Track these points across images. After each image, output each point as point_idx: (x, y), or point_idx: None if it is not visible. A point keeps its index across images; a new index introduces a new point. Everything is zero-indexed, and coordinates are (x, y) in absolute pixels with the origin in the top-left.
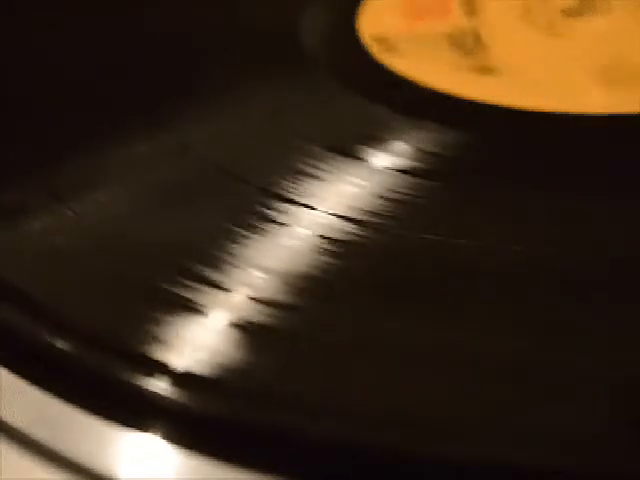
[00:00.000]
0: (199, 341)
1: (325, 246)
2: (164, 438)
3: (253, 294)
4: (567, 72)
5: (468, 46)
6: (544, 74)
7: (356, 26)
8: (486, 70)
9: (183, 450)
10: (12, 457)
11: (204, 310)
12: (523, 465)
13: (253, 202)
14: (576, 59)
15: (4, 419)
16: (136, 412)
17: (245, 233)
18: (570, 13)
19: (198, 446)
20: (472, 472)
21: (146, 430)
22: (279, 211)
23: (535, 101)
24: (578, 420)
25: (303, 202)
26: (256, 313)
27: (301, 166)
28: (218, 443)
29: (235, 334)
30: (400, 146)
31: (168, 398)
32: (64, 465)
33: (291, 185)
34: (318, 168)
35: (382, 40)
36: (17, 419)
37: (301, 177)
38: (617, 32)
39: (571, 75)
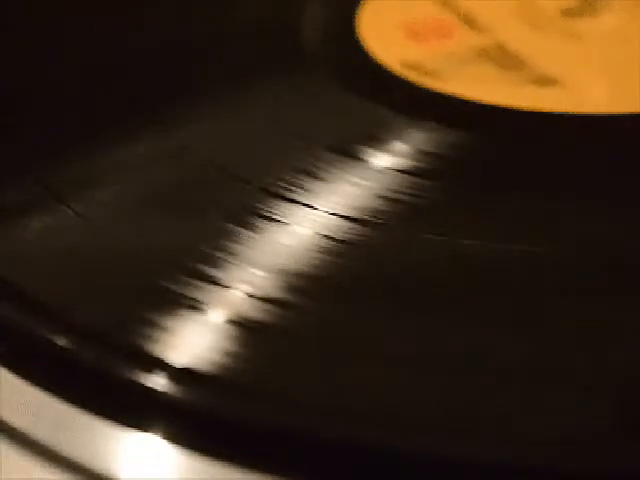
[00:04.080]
0: (198, 338)
1: (324, 245)
2: (164, 438)
3: (252, 291)
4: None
5: (503, 60)
6: (598, 81)
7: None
8: (546, 81)
9: (183, 450)
10: (12, 457)
11: (203, 307)
12: (523, 465)
13: (253, 201)
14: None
15: (4, 419)
16: (136, 411)
17: (244, 232)
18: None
19: (198, 446)
20: (471, 472)
21: (146, 430)
22: (279, 210)
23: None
24: (578, 420)
25: (303, 202)
26: (255, 310)
27: (301, 166)
28: (218, 443)
29: (234, 331)
30: (400, 146)
31: (167, 396)
32: (64, 465)
33: (291, 185)
34: (318, 168)
35: (415, 66)
36: (17, 419)
37: (301, 177)
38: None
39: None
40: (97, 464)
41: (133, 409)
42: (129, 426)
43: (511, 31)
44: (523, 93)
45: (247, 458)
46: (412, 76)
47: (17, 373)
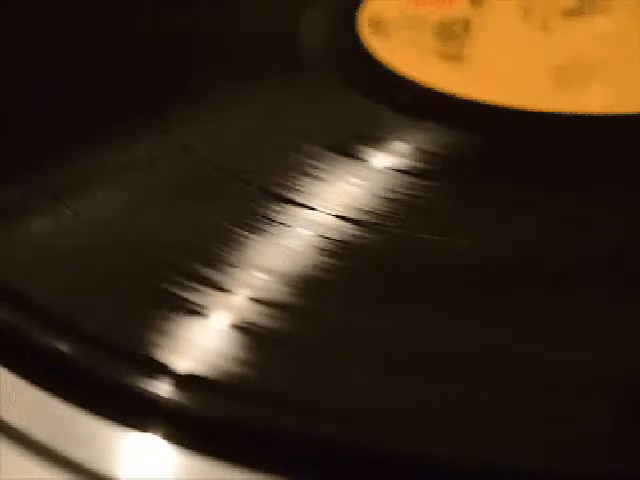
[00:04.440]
0: (200, 342)
1: (325, 246)
2: (164, 438)
3: (254, 295)
4: (528, 68)
5: (453, 34)
6: (505, 67)
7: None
8: (453, 58)
9: (183, 450)
10: (12, 457)
11: (205, 311)
12: (522, 466)
13: (253, 202)
14: (545, 56)
15: (4, 419)
16: (136, 412)
17: (246, 234)
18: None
19: (198, 446)
20: (471, 473)
21: (146, 430)
22: (279, 211)
23: (481, 90)
24: (578, 420)
25: (303, 202)
26: (257, 314)
27: (301, 166)
28: (218, 443)
29: (236, 335)
30: (400, 146)
31: (169, 399)
32: (64, 465)
33: (291, 185)
34: (318, 168)
35: (375, 23)
36: (17, 419)
37: (301, 177)
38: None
39: (529, 71)
40: (97, 464)
41: (134, 410)
42: (129, 426)
43: (498, 16)
44: (423, 61)
45: (248, 459)
46: (366, 32)
47: (17, 374)
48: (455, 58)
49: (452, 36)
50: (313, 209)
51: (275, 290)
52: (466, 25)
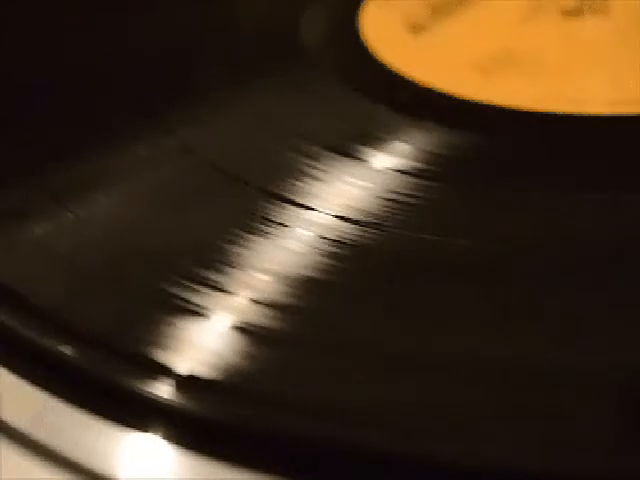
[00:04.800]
0: (201, 344)
1: (326, 247)
2: (164, 438)
3: (255, 296)
4: (461, 53)
5: (442, 8)
6: (452, 48)
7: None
8: (417, 28)
9: (183, 450)
10: (12, 457)
11: (206, 313)
12: (522, 466)
13: (253, 203)
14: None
15: (4, 419)
16: (137, 413)
17: (246, 235)
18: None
19: (198, 446)
20: (471, 474)
21: (146, 430)
22: (280, 212)
23: (406, 65)
24: (578, 420)
25: (303, 202)
26: (258, 315)
27: (301, 166)
28: (218, 443)
29: (237, 336)
30: (400, 146)
31: (169, 400)
32: (64, 465)
33: (291, 186)
34: (318, 168)
35: None
36: (17, 419)
37: (301, 177)
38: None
39: (457, 57)
40: (97, 464)
41: (134, 411)
42: (129, 426)
43: (498, 5)
44: (392, 30)
45: (247, 459)
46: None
47: (18, 374)
48: (420, 28)
49: (440, 10)
50: (313, 209)
51: (275, 291)
52: (460, 3)
